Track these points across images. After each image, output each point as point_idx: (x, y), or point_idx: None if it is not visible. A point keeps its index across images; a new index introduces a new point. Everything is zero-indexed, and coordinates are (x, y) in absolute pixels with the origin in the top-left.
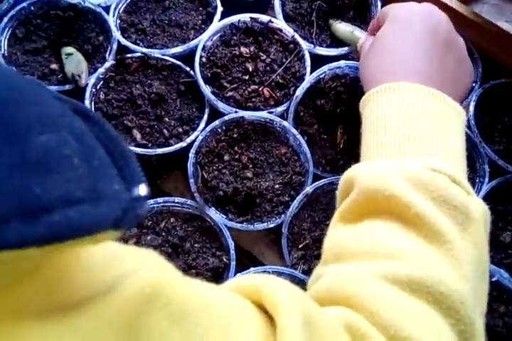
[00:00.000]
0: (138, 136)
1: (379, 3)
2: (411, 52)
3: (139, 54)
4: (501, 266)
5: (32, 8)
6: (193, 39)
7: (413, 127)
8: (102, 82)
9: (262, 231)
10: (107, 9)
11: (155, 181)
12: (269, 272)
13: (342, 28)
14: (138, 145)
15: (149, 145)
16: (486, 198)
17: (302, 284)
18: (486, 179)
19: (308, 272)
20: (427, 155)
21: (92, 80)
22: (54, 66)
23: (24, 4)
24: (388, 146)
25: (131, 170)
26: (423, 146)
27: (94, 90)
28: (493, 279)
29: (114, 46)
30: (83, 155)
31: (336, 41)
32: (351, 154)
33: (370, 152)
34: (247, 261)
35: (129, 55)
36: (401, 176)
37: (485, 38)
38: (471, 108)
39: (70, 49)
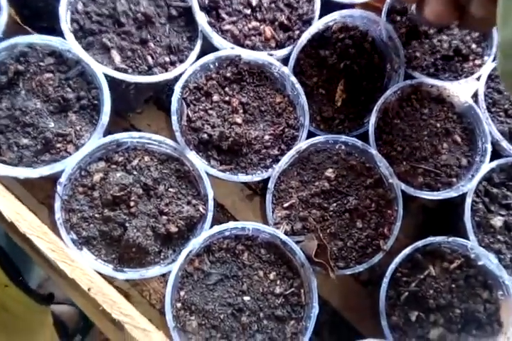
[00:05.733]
0: (117, 58)
1: None
2: None
3: None
4: (489, 250)
5: None
6: None
7: None
8: None
9: (239, 185)
10: None
11: (127, 115)
12: (248, 229)
13: None
14: (117, 69)
15: (129, 71)
16: (483, 179)
17: (284, 245)
18: (487, 159)
19: (290, 234)
20: None
21: None
22: None
23: None
24: None
25: None
26: None
27: None
28: (480, 263)
29: None
30: None
31: None
32: (348, 114)
33: None
34: (218, 214)
35: None
36: None
37: None
38: (482, 81)
39: None
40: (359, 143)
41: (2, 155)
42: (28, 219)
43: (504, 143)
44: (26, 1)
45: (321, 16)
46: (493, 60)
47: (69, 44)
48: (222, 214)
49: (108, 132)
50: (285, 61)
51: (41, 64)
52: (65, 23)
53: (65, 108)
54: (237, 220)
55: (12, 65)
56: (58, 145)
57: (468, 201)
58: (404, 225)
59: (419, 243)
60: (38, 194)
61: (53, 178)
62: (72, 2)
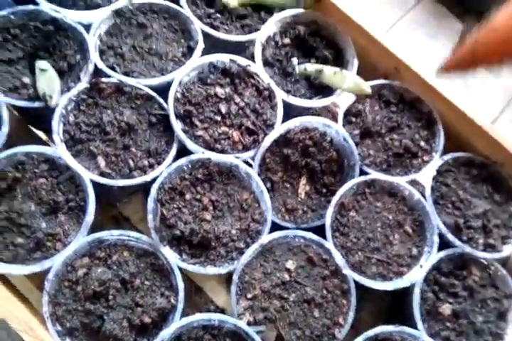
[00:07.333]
0: (102, 163)
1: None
2: None
3: (114, 80)
4: (438, 338)
5: (12, 16)
6: (170, 71)
7: None
8: (73, 104)
9: None
10: (88, 28)
11: (114, 204)
12: (214, 320)
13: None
14: (101, 174)
15: (113, 174)
16: (432, 269)
17: (247, 335)
18: (434, 250)
19: (253, 323)
20: None
21: (64, 101)
22: (26, 80)
23: (4, 12)
24: None
25: None
26: None
27: (64, 111)
28: None
29: (91, 67)
30: None
31: (311, 90)
32: (310, 205)
33: None
34: (196, 297)
35: (104, 80)
36: None
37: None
38: (430, 176)
39: (45, 64)
40: (315, 237)
41: None
42: (19, 315)
43: (449, 236)
44: (24, 109)
45: (284, 115)
46: (440, 155)
47: (60, 152)
48: (200, 297)
49: (98, 221)
50: (253, 158)
51: (36, 170)
52: (57, 135)
53: (56, 210)
54: (214, 303)
55: (11, 172)
56: (48, 243)
57: (417, 291)
58: (370, 307)
59: (370, 332)
60: (33, 279)
61: None
62: (64, 114)
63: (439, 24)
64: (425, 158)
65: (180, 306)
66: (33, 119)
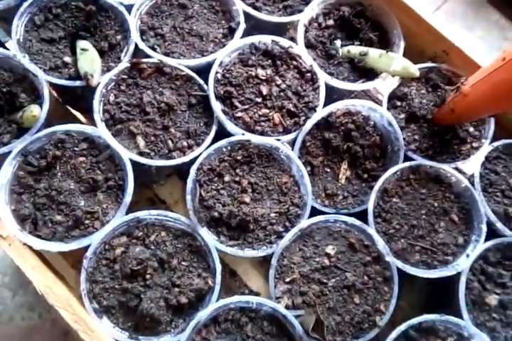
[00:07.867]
0: (141, 143)
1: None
2: None
3: (155, 60)
4: (483, 328)
5: None
6: (211, 52)
7: None
8: (113, 84)
9: None
10: (129, 8)
11: (150, 186)
12: (252, 303)
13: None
14: (140, 154)
15: (152, 154)
16: (479, 258)
17: (285, 319)
18: (482, 239)
19: (291, 307)
20: None
21: (104, 80)
22: (67, 59)
23: None
24: None
25: None
26: None
27: (104, 91)
28: None
29: (131, 48)
30: None
31: (354, 73)
32: (351, 191)
33: None
34: (230, 280)
35: (144, 60)
36: None
37: None
38: (479, 163)
39: (86, 44)
40: (357, 222)
41: (38, 230)
42: (57, 292)
43: (499, 225)
44: (63, 88)
45: (326, 98)
46: (490, 142)
47: (100, 131)
48: (234, 280)
49: (133, 202)
50: (293, 141)
51: (76, 149)
52: (97, 114)
53: (95, 188)
54: (248, 287)
55: (51, 150)
56: (87, 221)
57: (463, 280)
58: (410, 295)
59: (414, 320)
60: (68, 258)
61: None
62: (104, 94)
63: (476, 16)
64: (474, 145)
65: (217, 288)
66: (71, 99)
